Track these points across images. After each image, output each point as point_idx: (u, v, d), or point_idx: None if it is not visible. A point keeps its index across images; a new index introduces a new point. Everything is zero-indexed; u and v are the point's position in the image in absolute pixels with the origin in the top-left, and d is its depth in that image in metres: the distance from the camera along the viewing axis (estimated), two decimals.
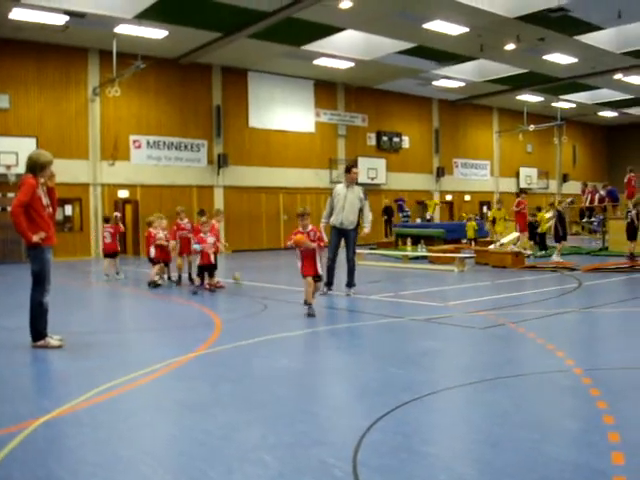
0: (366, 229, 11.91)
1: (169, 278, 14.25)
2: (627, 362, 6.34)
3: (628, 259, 16.35)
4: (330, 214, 11.91)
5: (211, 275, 12.72)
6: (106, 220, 16.10)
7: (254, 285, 13.62)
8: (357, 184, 12.10)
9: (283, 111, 28.78)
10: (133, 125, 25.19)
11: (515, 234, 20.99)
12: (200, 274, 12.57)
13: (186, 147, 26.43)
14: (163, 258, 13.84)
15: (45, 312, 7.36)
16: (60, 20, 19.98)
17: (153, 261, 13.76)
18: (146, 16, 19.98)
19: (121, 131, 24.78)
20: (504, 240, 20.57)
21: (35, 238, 7.09)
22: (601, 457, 3.80)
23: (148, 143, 25.54)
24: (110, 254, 15.60)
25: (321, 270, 9.63)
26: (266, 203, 28.25)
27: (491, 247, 19.60)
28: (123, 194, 25.17)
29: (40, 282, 7.32)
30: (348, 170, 12.03)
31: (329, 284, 11.81)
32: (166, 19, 20.51)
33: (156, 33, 21.67)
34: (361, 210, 11.80)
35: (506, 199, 37.84)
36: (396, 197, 30.11)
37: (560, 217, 18.15)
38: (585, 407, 4.95)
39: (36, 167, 7.26)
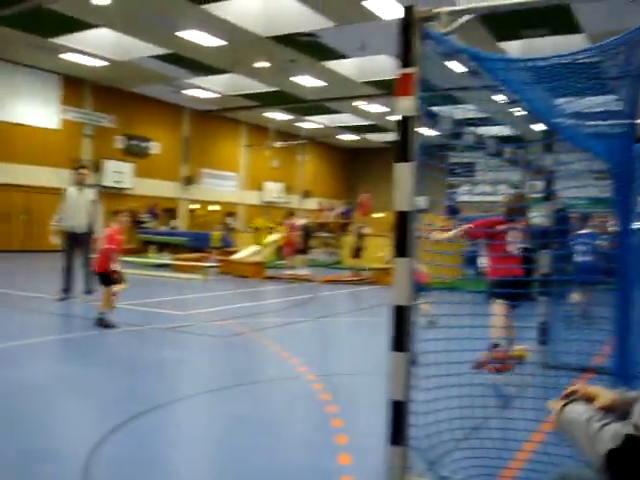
0: (97, 234, 11.48)
1: None
2: (354, 368, 6.82)
3: (353, 273, 17.75)
4: (63, 218, 11.31)
5: None
6: None
7: None
8: (90, 186, 11.68)
9: (25, 104, 26.86)
10: None
11: (255, 247, 21.31)
12: None
13: None
14: None
15: None
16: None
17: None
18: None
19: None
20: (244, 253, 20.80)
21: None
22: (330, 459, 4.05)
23: None
24: None
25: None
26: (3, 201, 26.15)
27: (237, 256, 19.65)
28: None
29: None
30: (77, 171, 11.64)
31: (66, 290, 11.27)
32: None
33: None
34: (94, 213, 11.34)
35: (252, 211, 38.84)
36: (148, 204, 29.58)
37: (307, 231, 19.13)
38: (316, 411, 5.24)
39: None
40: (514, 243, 6.27)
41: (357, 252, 18.43)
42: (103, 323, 8.63)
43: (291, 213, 20.57)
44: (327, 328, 9.93)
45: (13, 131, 26.69)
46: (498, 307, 6.11)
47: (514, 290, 5.70)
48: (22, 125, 26.99)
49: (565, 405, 2.11)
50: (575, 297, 8.67)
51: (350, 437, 4.44)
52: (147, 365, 6.69)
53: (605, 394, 2.23)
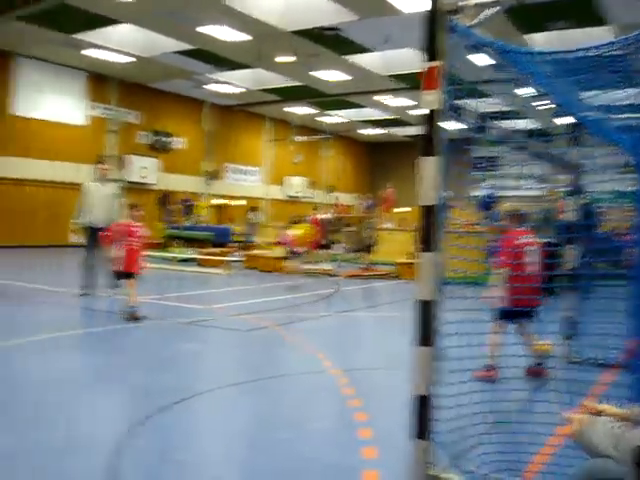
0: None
1: None
2: (378, 363, 6.81)
3: (363, 269, 17.79)
4: (82, 213, 11.33)
5: None
6: None
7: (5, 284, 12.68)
8: (111, 181, 11.68)
9: (52, 101, 27.12)
10: None
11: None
12: None
13: None
14: None
15: None
16: None
17: None
18: None
19: None
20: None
21: None
22: (353, 453, 4.05)
23: None
24: None
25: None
26: (28, 197, 26.43)
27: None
28: None
29: None
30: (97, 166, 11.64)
31: (86, 286, 11.30)
32: None
33: None
34: (115, 208, 11.35)
35: (276, 206, 38.89)
36: (184, 198, 29.47)
37: (329, 226, 19.23)
38: (340, 406, 5.24)
39: None
40: (533, 262, 6.16)
41: (369, 247, 18.45)
42: (133, 316, 8.74)
43: (315, 208, 20.53)
44: (351, 322, 9.92)
45: (40, 128, 26.97)
46: (498, 327, 6.06)
47: (523, 318, 5.70)
48: (49, 122, 27.26)
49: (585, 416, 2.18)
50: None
51: (374, 431, 4.44)
52: (171, 358, 6.73)
53: (614, 408, 2.36)
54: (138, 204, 9.76)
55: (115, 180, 11.78)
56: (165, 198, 28.33)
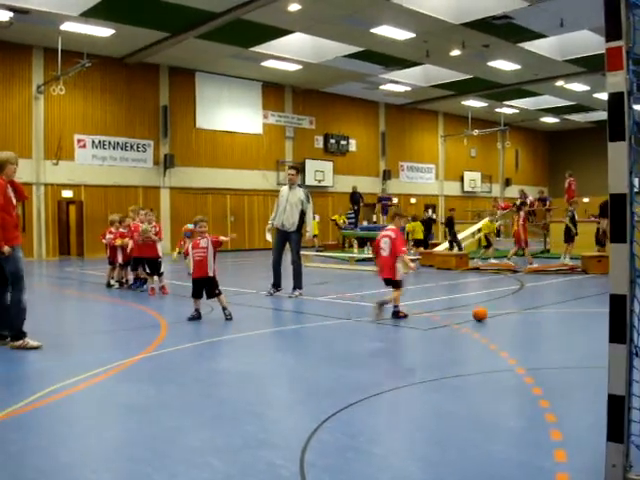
0: (308, 234, 11.88)
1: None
2: (567, 362, 6.51)
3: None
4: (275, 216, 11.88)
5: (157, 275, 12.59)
6: None
7: None
8: (300, 186, 12.03)
9: (231, 112, 28.66)
10: (78, 124, 24.74)
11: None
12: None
13: (132, 147, 26.08)
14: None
15: (24, 310, 7.27)
16: (4, 16, 19.52)
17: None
18: (92, 14, 19.66)
19: (65, 130, 24.31)
20: (445, 244, 20.61)
21: (6, 251, 6.97)
22: (544, 455, 3.89)
23: (93, 143, 25.11)
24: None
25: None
26: (213, 204, 28.03)
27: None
28: (67, 194, 24.68)
29: (18, 280, 7.26)
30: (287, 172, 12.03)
31: (275, 286, 11.78)
32: (113, 17, 20.22)
33: (102, 31, 21.34)
34: (304, 213, 11.72)
35: (453, 203, 38.42)
36: (382, 196, 29.72)
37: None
38: (528, 406, 5.06)
39: None
40: None
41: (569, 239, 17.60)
42: (398, 314, 9.13)
43: (520, 207, 19.50)
44: (535, 320, 9.56)
45: (222, 139, 28.54)
46: None
47: None
48: (230, 132, 28.77)
49: None
50: None
51: (565, 433, 4.24)
52: (353, 356, 6.83)
53: None
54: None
55: (302, 185, 12.17)
56: (355, 197, 28.36)
